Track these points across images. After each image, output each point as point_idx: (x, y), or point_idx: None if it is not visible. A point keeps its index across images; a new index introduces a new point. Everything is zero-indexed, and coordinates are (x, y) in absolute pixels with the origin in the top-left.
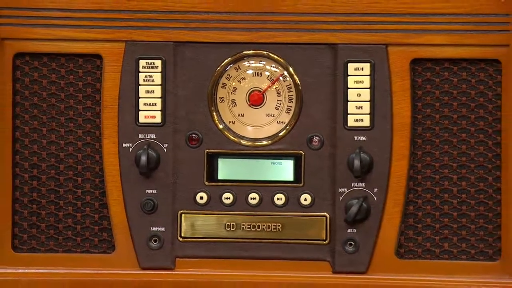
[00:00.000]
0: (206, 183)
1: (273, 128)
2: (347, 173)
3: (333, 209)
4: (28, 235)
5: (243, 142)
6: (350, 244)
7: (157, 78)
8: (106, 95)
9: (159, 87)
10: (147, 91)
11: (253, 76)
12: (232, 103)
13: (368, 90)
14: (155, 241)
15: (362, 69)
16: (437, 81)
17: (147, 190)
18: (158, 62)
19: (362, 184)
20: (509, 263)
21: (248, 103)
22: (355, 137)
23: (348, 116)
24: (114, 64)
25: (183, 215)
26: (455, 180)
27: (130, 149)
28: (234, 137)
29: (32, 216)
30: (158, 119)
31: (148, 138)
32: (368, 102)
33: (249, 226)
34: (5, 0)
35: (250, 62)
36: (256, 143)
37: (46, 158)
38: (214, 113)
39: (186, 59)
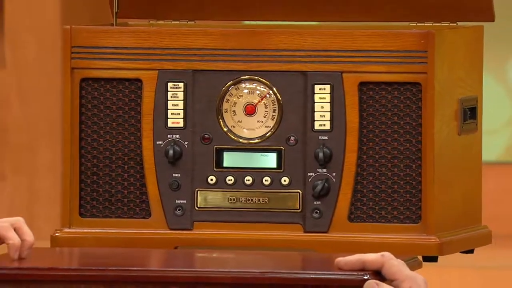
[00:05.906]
0: (215, 169)
1: (262, 131)
2: (314, 162)
3: (304, 187)
4: (90, 205)
5: (241, 140)
6: (316, 212)
7: (180, 95)
8: (145, 108)
9: (182, 101)
10: (173, 105)
11: (248, 94)
12: (233, 113)
13: (329, 104)
14: (179, 210)
15: (325, 89)
16: (377, 97)
17: (173, 174)
18: (181, 84)
19: (324, 170)
20: (427, 225)
21: (244, 113)
22: (319, 137)
23: (315, 122)
24: (150, 85)
25: (198, 191)
26: (390, 167)
27: (162, 145)
28: (235, 137)
29: (93, 192)
30: (181, 124)
31: (174, 138)
32: (329, 112)
33: (245, 200)
34: (75, 41)
35: (246, 84)
36: (250, 141)
37: (103, 152)
38: (220, 120)
39: (201, 82)
